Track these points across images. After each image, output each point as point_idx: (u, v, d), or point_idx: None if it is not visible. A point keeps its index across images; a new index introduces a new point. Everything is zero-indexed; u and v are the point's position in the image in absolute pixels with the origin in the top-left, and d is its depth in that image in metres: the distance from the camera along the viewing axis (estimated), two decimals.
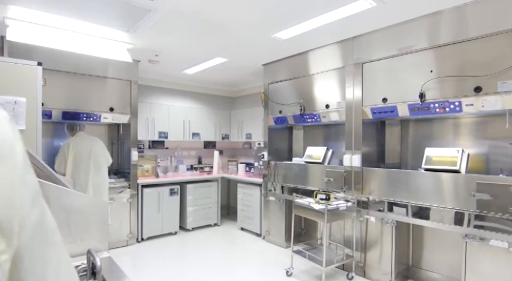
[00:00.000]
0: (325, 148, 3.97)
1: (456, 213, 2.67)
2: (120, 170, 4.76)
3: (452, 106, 2.70)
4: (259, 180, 4.70)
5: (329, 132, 4.36)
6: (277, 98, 4.45)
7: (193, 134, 5.64)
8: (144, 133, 5.08)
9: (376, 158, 3.62)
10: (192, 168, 5.83)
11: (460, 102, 2.66)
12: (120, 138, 4.82)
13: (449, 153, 2.82)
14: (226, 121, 6.24)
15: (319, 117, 3.86)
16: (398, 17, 2.96)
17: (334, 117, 3.70)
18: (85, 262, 1.12)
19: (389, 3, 2.66)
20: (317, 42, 3.74)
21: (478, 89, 2.55)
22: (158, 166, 5.13)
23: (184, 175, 5.32)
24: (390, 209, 3.13)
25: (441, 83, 2.77)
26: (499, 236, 2.45)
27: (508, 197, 2.40)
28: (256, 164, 5.09)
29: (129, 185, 4.40)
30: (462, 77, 2.64)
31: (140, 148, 5.15)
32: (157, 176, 4.93)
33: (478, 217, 2.55)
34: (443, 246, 3.15)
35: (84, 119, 4.06)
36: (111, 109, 4.27)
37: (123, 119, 4.39)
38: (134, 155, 4.43)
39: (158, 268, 3.62)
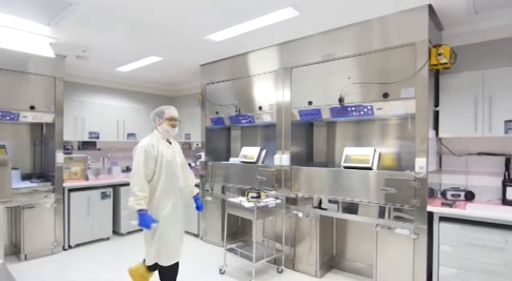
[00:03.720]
0: (259, 148, 4.12)
1: (369, 206, 2.97)
2: (44, 173, 4.40)
3: (365, 110, 3.00)
4: (196, 180, 4.68)
5: (266, 133, 4.50)
6: (214, 98, 4.49)
7: (129, 135, 5.43)
8: (72, 133, 4.76)
9: (305, 158, 3.85)
10: (127, 170, 5.59)
11: (372, 107, 2.96)
12: (43, 138, 4.46)
13: (364, 152, 3.13)
14: None
15: (253, 119, 3.99)
16: (321, 26, 3.20)
17: (266, 118, 3.85)
18: None
19: (310, 14, 2.86)
20: (250, 46, 3.87)
21: (386, 95, 2.87)
22: (89, 168, 4.85)
23: (118, 177, 5.09)
24: (315, 205, 3.36)
25: (356, 88, 3.06)
26: (402, 224, 2.78)
27: (409, 190, 2.75)
28: (193, 164, 5.07)
29: (54, 189, 4.09)
30: (373, 84, 2.95)
31: (68, 149, 4.81)
32: (87, 179, 4.65)
33: (386, 209, 2.87)
34: (363, 237, 3.47)
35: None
36: (32, 107, 3.93)
37: (47, 118, 4.08)
38: (59, 157, 4.13)
39: (88, 277, 3.43)
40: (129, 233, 4.96)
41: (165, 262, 2.57)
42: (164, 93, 6.27)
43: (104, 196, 4.63)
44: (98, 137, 5.06)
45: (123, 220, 4.85)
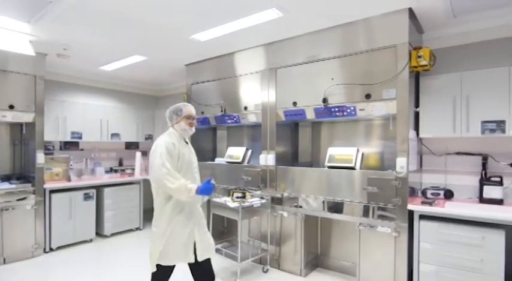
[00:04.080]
0: (245, 148, 4.13)
1: (352, 205, 3.02)
2: (24, 175, 4.29)
3: (348, 110, 3.05)
4: None
5: (253, 133, 4.51)
6: (200, 98, 4.47)
7: (113, 135, 5.34)
8: (54, 133, 4.65)
9: (290, 157, 3.88)
10: (111, 170, 5.50)
11: (354, 107, 3.01)
12: (23, 139, 4.36)
13: (347, 152, 3.18)
14: (150, 121, 6.03)
15: (239, 119, 3.99)
16: (305, 28, 3.24)
17: (251, 118, 3.86)
18: None
19: (294, 15, 2.89)
20: (236, 46, 3.87)
21: (368, 96, 2.93)
22: (71, 168, 4.75)
23: (101, 178, 5.00)
24: (300, 204, 3.38)
25: (340, 89, 3.10)
26: (384, 223, 2.84)
27: (390, 189, 2.80)
28: None
29: (34, 190, 3.99)
30: (356, 85, 3.00)
31: (49, 150, 4.70)
32: (69, 180, 4.55)
33: (368, 208, 2.92)
34: (347, 235, 3.51)
35: None
36: (11, 107, 3.82)
37: (27, 117, 3.97)
38: (40, 157, 4.03)
39: (70, 280, 3.36)
40: (113, 234, 4.88)
41: (165, 261, 2.43)
42: (149, 93, 6.20)
43: (87, 197, 4.54)
44: (80, 137, 4.96)
45: (106, 221, 4.78)
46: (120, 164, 5.76)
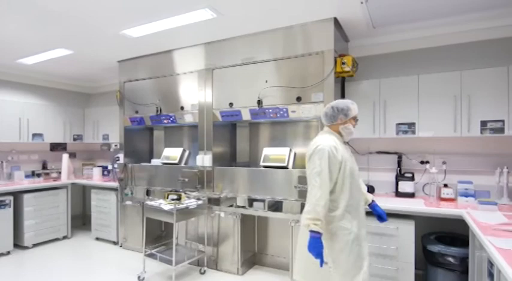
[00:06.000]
0: (182, 148, 4.05)
1: (286, 202, 3.15)
2: None
3: (281, 112, 3.17)
4: (115, 184, 4.41)
5: (193, 133, 4.38)
6: (133, 97, 4.27)
7: (34, 135, 4.83)
8: None
9: (229, 158, 3.90)
10: (33, 174, 4.98)
11: (286, 109, 3.14)
12: None
13: (280, 152, 3.30)
14: (80, 120, 5.57)
15: (175, 119, 3.90)
16: (241, 30, 3.28)
17: (188, 119, 3.80)
18: None
19: (228, 17, 2.91)
20: (172, 44, 3.78)
21: (299, 99, 3.07)
22: None
23: (20, 183, 4.50)
24: (238, 204, 3.43)
25: (274, 91, 3.21)
26: None
27: None
28: (110, 167, 4.76)
29: None
30: (288, 88, 3.13)
31: None
32: None
33: (300, 204, 3.06)
34: (282, 232, 3.63)
35: None
36: None
37: None
38: None
39: None
40: (35, 245, 4.43)
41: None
42: (79, 90, 5.74)
43: (2, 205, 4.05)
44: None
45: (27, 231, 4.31)
46: (44, 167, 5.24)
